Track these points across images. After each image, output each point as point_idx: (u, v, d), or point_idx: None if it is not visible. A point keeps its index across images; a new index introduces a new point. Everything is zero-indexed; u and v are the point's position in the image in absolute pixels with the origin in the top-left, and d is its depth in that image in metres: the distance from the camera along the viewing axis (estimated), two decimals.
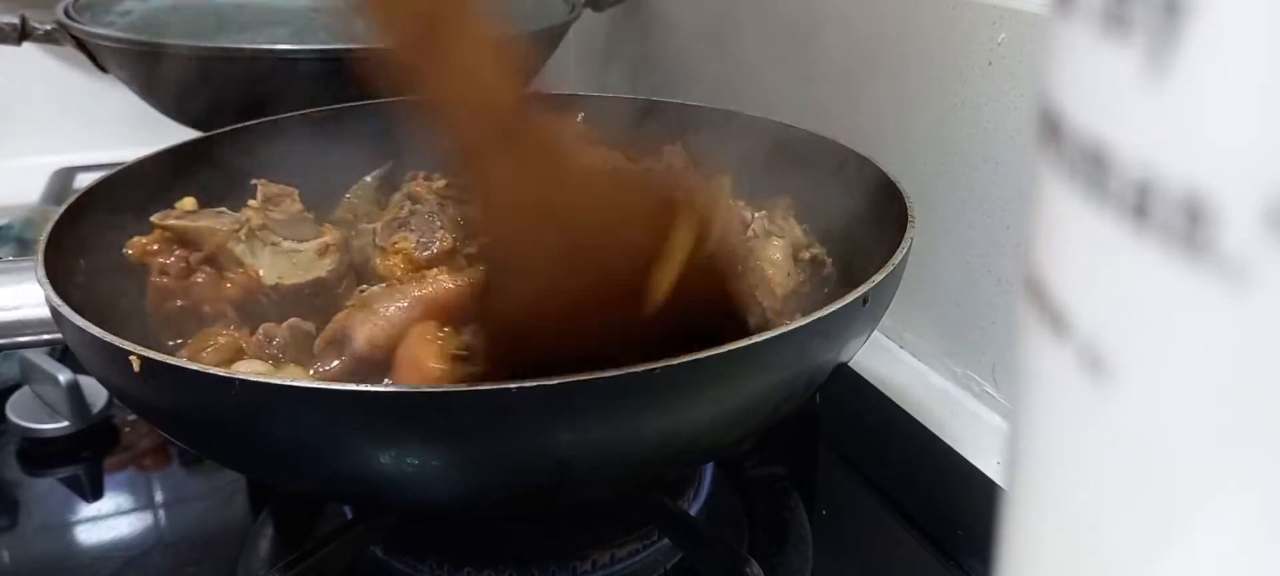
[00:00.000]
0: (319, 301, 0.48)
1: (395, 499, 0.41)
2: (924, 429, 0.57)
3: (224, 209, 0.50)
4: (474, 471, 0.35)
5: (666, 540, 0.46)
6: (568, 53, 0.88)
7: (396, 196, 0.54)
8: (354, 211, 0.56)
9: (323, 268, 0.49)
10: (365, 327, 0.43)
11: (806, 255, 0.47)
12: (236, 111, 0.59)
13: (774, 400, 0.38)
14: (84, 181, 0.68)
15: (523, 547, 0.45)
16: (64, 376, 0.55)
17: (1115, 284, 0.11)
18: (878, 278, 0.39)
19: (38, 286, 0.40)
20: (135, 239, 0.48)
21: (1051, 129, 0.12)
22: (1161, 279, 0.11)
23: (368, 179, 0.58)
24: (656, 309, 0.34)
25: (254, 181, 0.52)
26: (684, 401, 0.34)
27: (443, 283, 0.44)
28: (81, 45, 0.75)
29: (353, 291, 0.49)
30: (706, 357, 0.33)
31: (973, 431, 0.58)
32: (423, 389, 0.32)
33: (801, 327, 0.36)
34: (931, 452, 0.55)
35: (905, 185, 0.47)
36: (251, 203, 0.50)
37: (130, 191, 0.52)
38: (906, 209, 0.45)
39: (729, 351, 0.34)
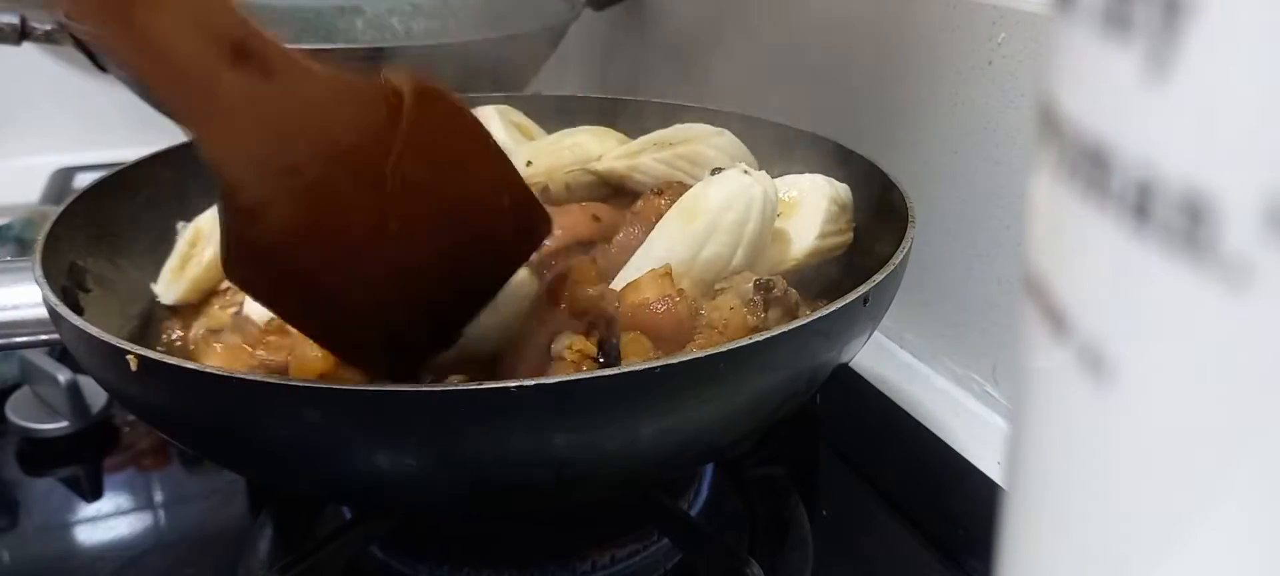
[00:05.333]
0: None
1: (394, 499, 0.41)
2: (924, 429, 0.57)
3: None
4: (473, 471, 0.35)
5: (666, 540, 0.46)
6: (568, 53, 0.88)
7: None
8: None
9: None
10: None
11: (750, 288, 0.43)
12: None
13: (774, 400, 0.38)
14: (84, 181, 0.68)
15: (522, 548, 0.45)
16: (63, 376, 0.55)
17: (1116, 284, 0.11)
18: (878, 277, 0.39)
19: (36, 286, 0.40)
20: None
21: (1052, 129, 0.12)
22: (1162, 279, 0.11)
23: None
24: None
25: None
26: (683, 401, 0.34)
27: None
28: (81, 45, 0.75)
29: None
30: (706, 357, 0.33)
31: (973, 431, 0.57)
32: (421, 388, 0.32)
33: (802, 327, 0.36)
34: (931, 452, 0.55)
35: (905, 185, 0.47)
36: None
37: (130, 191, 0.52)
38: (907, 209, 0.45)
39: (729, 351, 0.34)
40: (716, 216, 0.44)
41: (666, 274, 0.42)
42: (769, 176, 0.47)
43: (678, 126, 0.55)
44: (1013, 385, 0.15)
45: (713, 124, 0.56)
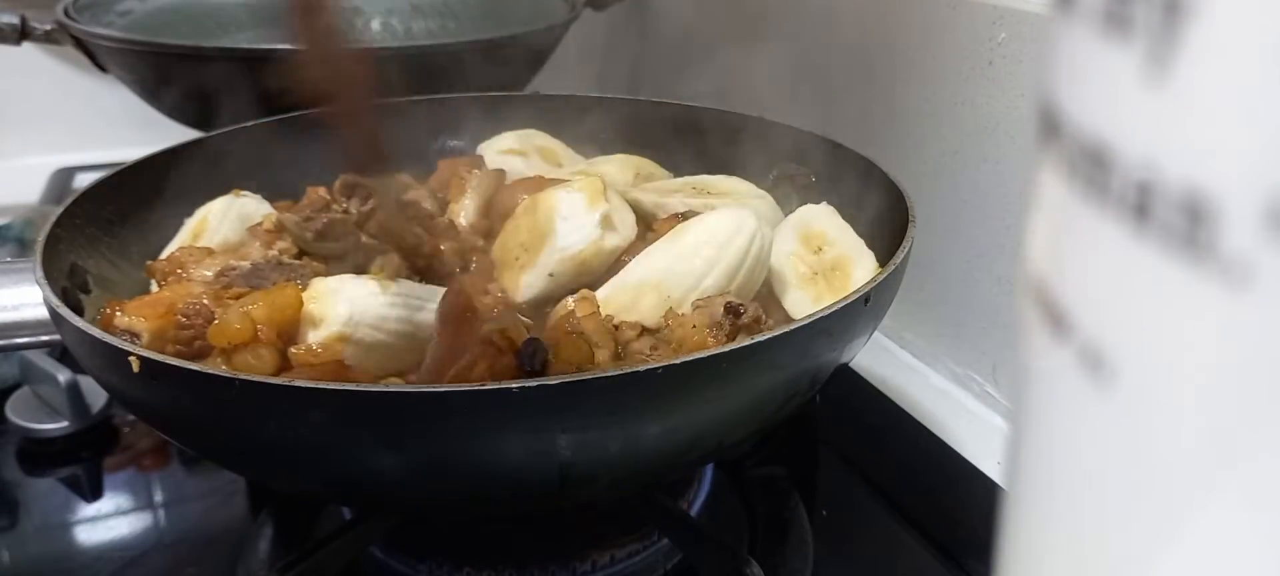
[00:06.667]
0: None
1: (397, 500, 0.41)
2: (924, 429, 0.57)
3: None
4: (475, 472, 0.35)
5: (666, 540, 0.46)
6: (568, 53, 0.88)
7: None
8: None
9: None
10: None
11: (720, 310, 0.42)
12: (236, 111, 0.59)
13: (777, 399, 0.38)
14: (84, 181, 0.68)
15: (522, 548, 0.45)
16: (63, 376, 0.55)
17: (1116, 284, 0.11)
18: (880, 276, 0.39)
19: (36, 287, 0.40)
20: None
21: (1052, 129, 0.12)
22: (1162, 279, 0.11)
23: None
24: None
25: None
26: (686, 400, 0.34)
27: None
28: (81, 45, 0.75)
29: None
30: (709, 356, 0.33)
31: (973, 431, 0.57)
32: (424, 389, 0.32)
33: (804, 327, 0.36)
34: (931, 452, 0.55)
35: (906, 185, 0.47)
36: None
37: (129, 191, 0.52)
38: (907, 208, 0.45)
39: (731, 350, 0.34)
40: (699, 238, 0.45)
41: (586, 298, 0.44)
42: (770, 227, 0.47)
43: (721, 177, 0.56)
44: (1013, 385, 0.15)
45: (713, 123, 0.56)
